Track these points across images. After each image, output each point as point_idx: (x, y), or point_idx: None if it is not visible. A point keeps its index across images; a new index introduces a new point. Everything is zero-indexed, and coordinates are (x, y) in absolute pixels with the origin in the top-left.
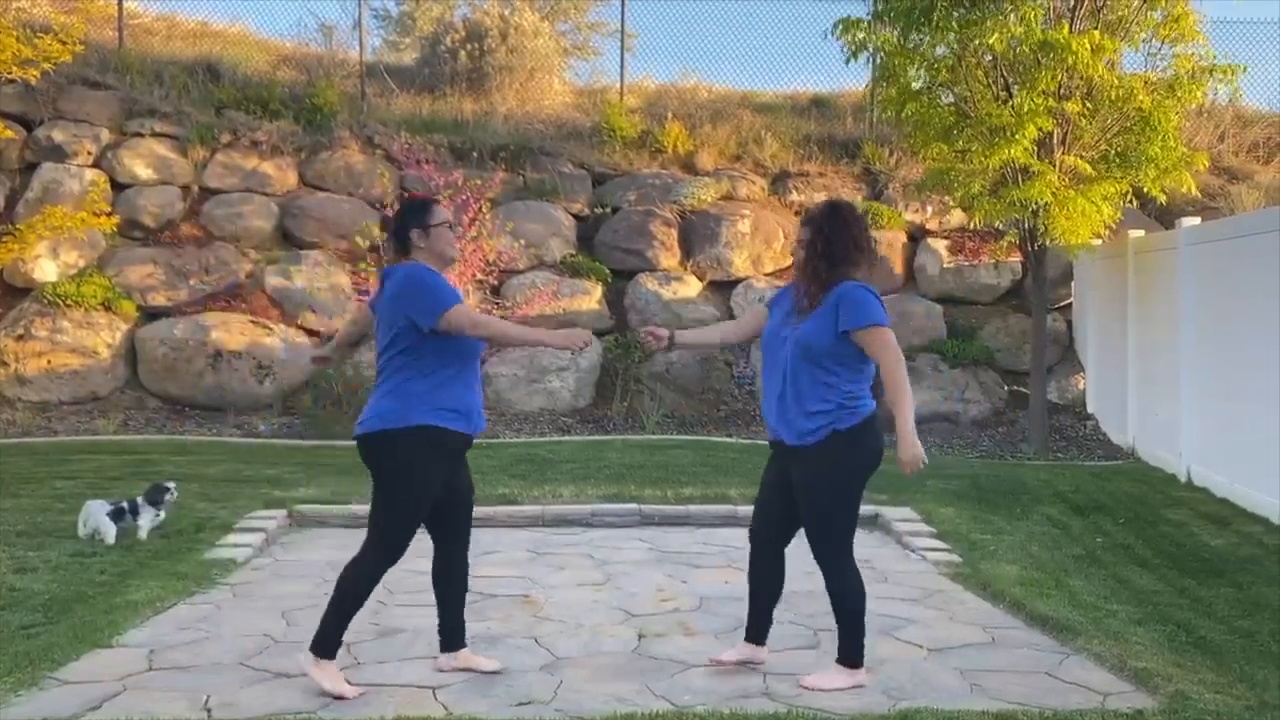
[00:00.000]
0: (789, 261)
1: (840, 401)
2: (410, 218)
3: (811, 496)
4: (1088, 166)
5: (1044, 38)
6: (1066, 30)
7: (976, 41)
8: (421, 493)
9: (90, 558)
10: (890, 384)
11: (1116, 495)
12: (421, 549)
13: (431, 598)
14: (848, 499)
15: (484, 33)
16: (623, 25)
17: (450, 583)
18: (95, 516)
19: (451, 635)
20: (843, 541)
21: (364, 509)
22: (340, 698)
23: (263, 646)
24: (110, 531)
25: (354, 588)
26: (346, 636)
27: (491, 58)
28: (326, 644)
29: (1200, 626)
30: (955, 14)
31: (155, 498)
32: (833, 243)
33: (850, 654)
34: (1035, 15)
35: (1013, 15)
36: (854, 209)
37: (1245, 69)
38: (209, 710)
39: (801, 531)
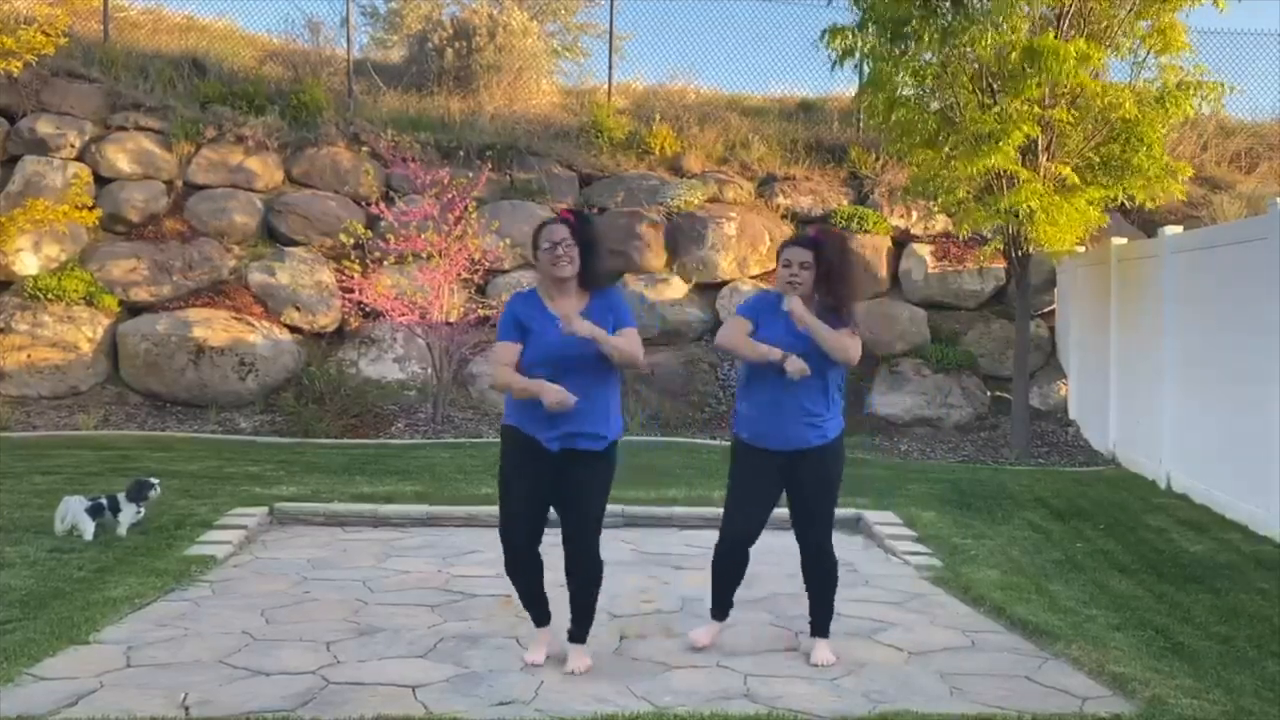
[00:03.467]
0: (773, 265)
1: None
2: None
3: (831, 490)
4: (1073, 174)
5: (1029, 44)
6: (1052, 37)
7: (963, 49)
8: (501, 481)
9: (68, 554)
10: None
11: (1097, 501)
12: (401, 549)
13: (412, 599)
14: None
15: (472, 31)
16: (611, 26)
17: (568, 576)
18: (73, 513)
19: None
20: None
21: (344, 508)
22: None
23: (242, 644)
24: (89, 528)
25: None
26: (328, 635)
27: (479, 56)
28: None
29: (1178, 632)
30: (935, 23)
31: (137, 494)
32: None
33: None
34: (1020, 23)
35: (997, 23)
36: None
37: (1233, 89)
38: (187, 708)
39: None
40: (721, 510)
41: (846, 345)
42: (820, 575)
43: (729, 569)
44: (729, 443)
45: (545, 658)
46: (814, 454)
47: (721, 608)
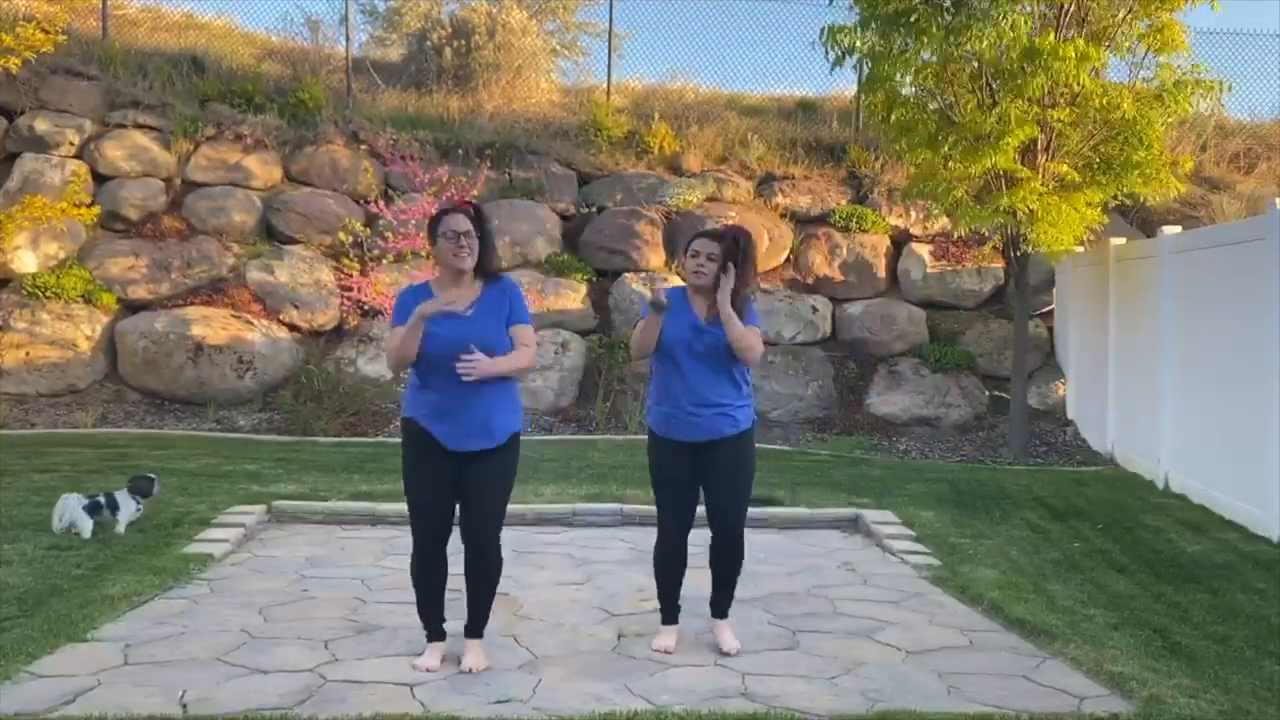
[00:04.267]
0: (773, 264)
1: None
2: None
3: (743, 474)
4: (1073, 173)
5: (1029, 45)
6: (1052, 37)
7: (963, 48)
8: (403, 476)
9: (66, 551)
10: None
11: (1095, 501)
12: (399, 547)
13: (409, 597)
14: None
15: (471, 30)
16: (610, 25)
17: (467, 574)
18: (71, 511)
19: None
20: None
21: (342, 506)
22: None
23: (240, 642)
24: (87, 526)
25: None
26: (326, 633)
27: (478, 55)
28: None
29: (1176, 632)
30: (937, 20)
31: (141, 488)
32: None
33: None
34: (1023, 23)
35: (1002, 21)
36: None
37: (1230, 86)
38: (185, 706)
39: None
40: None
41: (751, 343)
42: (727, 559)
43: (669, 564)
44: None
45: (440, 661)
46: (726, 443)
47: (671, 611)
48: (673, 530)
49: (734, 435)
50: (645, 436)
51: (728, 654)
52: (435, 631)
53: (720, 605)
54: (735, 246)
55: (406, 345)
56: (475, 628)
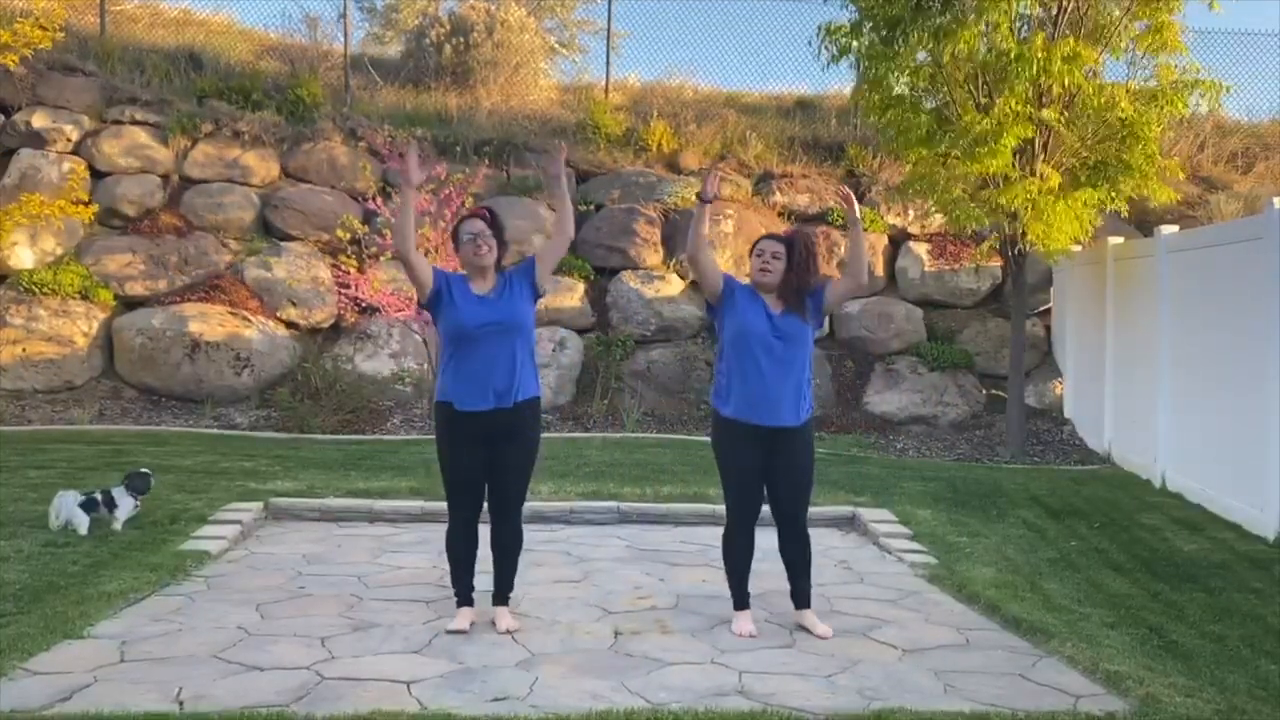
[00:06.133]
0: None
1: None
2: None
3: (807, 468)
4: (1057, 176)
5: (1017, 49)
6: (1040, 40)
7: (949, 50)
8: (441, 456)
9: (63, 548)
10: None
11: (1092, 500)
12: (396, 545)
13: (406, 594)
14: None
15: (469, 27)
16: (609, 23)
17: (494, 545)
18: (67, 508)
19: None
20: None
21: (339, 503)
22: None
23: (236, 639)
24: (83, 522)
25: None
26: (323, 630)
27: (476, 52)
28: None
29: (1172, 631)
30: (927, 23)
31: (138, 486)
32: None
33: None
34: (1005, 24)
35: (985, 22)
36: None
37: (1229, 88)
38: (181, 703)
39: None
40: (715, 507)
41: (867, 256)
42: (803, 547)
43: (742, 552)
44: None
45: (470, 624)
46: (795, 433)
47: (743, 597)
48: (742, 518)
49: (796, 426)
50: (644, 435)
51: (823, 638)
52: (465, 597)
53: (802, 595)
54: (796, 246)
55: (405, 217)
56: (500, 594)
